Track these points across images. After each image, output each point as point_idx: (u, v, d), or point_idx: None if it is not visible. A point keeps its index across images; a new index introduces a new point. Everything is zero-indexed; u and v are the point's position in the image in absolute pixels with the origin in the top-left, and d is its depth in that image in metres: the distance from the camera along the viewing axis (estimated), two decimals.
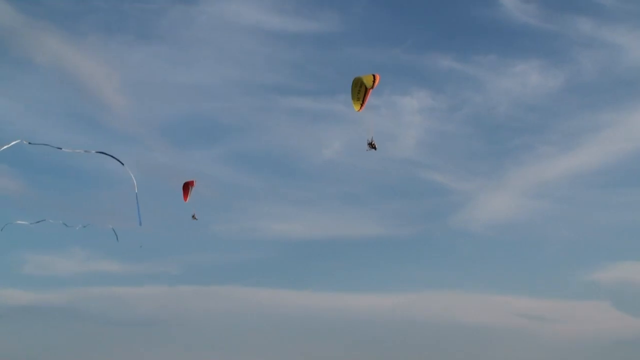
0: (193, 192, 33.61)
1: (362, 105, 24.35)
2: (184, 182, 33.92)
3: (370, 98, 24.00)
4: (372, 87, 23.33)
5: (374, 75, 23.06)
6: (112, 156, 23.01)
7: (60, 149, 22.19)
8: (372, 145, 25.54)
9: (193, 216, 36.62)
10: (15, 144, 20.85)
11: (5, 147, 20.32)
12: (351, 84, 24.31)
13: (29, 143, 21.47)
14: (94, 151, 22.85)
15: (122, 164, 23.88)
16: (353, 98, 24.27)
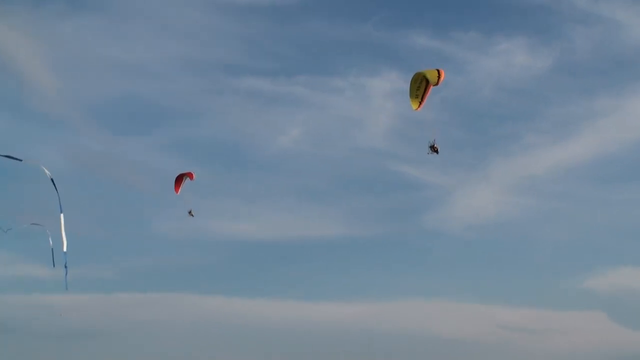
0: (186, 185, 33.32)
1: (420, 103, 23.55)
2: (178, 173, 33.90)
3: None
4: (437, 84, 22.37)
5: (438, 71, 22.12)
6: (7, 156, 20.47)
7: None
8: (434, 149, 24.70)
9: (190, 212, 36.36)
10: None
11: None
12: (410, 79, 23.40)
13: None
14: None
15: (20, 160, 21.68)
16: (411, 95, 23.47)
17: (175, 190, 33.36)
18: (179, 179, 33.45)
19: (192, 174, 33.67)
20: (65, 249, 18.64)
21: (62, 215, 19.38)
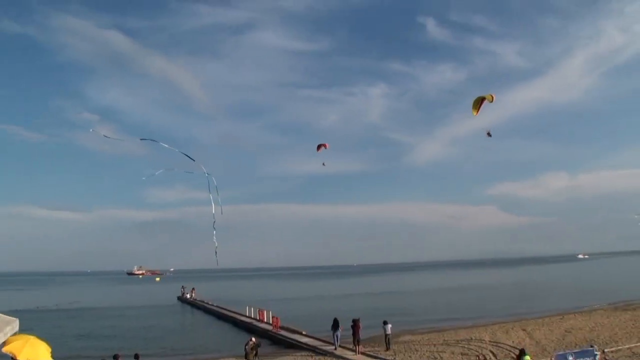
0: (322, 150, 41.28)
1: (477, 111, 30.13)
2: (318, 143, 41.62)
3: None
4: (492, 102, 29.37)
5: (492, 96, 29.24)
6: (187, 156, 27.37)
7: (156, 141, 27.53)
8: (489, 134, 31.69)
9: (323, 164, 44.17)
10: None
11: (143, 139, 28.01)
12: (475, 98, 30.13)
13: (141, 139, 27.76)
14: (177, 150, 27.54)
15: (194, 160, 28.43)
16: (474, 107, 29.90)
17: (318, 150, 41.39)
18: (319, 147, 40.95)
19: (327, 145, 41.06)
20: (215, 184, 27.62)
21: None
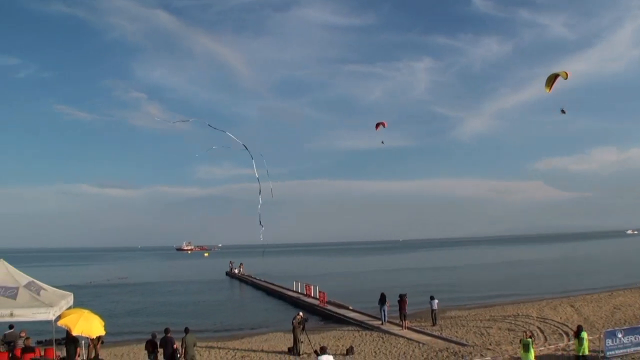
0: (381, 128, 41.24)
1: (550, 89, 29.84)
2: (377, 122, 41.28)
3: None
4: (566, 79, 29.05)
5: (566, 73, 29.01)
6: (245, 147, 29.65)
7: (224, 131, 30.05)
8: (563, 111, 31.36)
9: (382, 142, 43.89)
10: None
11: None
12: (549, 75, 29.76)
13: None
14: (227, 132, 29.77)
15: (246, 148, 30.38)
16: (547, 84, 29.56)
17: (376, 128, 40.86)
18: (378, 125, 40.60)
19: (385, 123, 40.95)
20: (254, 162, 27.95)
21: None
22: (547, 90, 30.05)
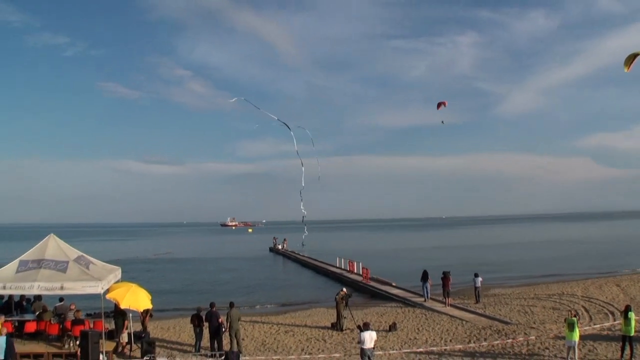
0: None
1: (629, 68, 28.43)
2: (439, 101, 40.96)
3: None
4: None
5: None
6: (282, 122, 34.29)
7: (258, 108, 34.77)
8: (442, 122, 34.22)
9: (442, 122, 43.54)
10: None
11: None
12: (628, 55, 28.11)
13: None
14: (275, 117, 33.86)
15: (289, 128, 34.51)
16: (626, 64, 28.11)
17: (438, 108, 40.45)
18: (439, 105, 40.38)
19: (446, 102, 40.59)
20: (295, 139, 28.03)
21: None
22: (626, 70, 28.69)
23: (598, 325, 26.44)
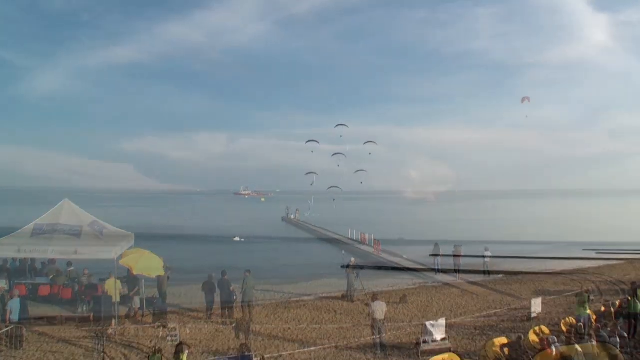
0: None
1: None
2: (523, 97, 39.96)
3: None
4: None
5: None
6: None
7: None
8: None
9: (526, 116, 46.52)
10: None
11: None
12: None
13: None
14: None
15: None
16: None
17: (522, 102, 39.23)
18: (523, 99, 39.12)
19: (529, 98, 39.52)
20: None
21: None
22: None
23: (609, 302, 26.44)
